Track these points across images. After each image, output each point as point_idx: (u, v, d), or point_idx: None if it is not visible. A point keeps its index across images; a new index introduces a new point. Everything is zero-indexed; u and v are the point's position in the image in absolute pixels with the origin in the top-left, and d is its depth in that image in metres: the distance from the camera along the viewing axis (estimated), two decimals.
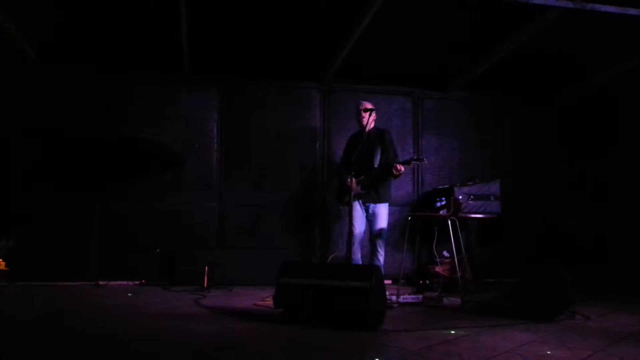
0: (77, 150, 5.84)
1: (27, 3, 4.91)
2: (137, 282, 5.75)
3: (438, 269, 5.72)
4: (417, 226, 5.46)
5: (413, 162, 4.97)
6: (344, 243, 5.69)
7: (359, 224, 5.18)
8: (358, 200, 5.16)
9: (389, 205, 5.42)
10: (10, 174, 5.64)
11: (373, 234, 5.24)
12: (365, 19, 5.01)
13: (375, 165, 5.19)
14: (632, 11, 4.70)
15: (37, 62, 5.80)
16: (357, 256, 5.18)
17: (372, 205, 5.24)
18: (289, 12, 5.17)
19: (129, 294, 5.11)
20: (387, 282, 5.04)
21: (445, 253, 5.84)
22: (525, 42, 5.47)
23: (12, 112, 5.69)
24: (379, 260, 5.20)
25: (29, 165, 5.71)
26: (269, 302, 4.17)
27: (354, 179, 5.03)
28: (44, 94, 5.83)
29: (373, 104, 5.82)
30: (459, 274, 5.16)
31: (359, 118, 5.27)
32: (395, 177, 5.05)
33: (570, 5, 4.67)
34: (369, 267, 4.43)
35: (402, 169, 4.94)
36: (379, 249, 5.26)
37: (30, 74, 5.83)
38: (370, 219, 5.25)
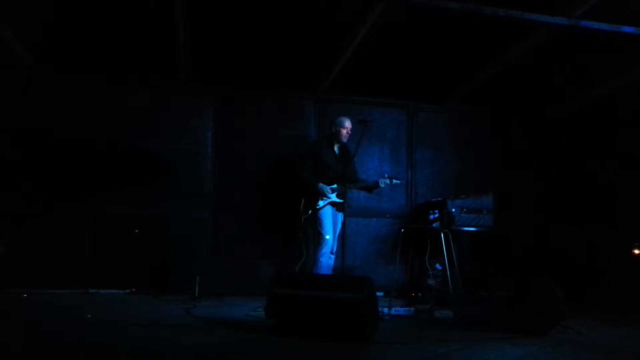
0: (71, 155, 5.81)
1: (24, 8, 4.90)
2: (128, 291, 5.70)
3: (430, 281, 5.71)
4: (410, 239, 5.47)
5: (394, 180, 5.53)
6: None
7: (332, 232, 5.38)
8: (330, 207, 5.36)
9: (382, 217, 5.49)
10: (2, 178, 5.60)
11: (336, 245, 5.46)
12: (361, 32, 5.03)
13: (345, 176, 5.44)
14: (626, 29, 4.75)
15: (34, 68, 5.78)
16: (325, 266, 5.31)
17: (342, 215, 5.48)
18: (286, 23, 5.19)
19: (120, 303, 5.06)
20: (379, 294, 5.04)
21: (437, 266, 5.84)
22: (521, 56, 5.51)
23: (6, 115, 5.67)
24: None
25: (21, 169, 5.67)
26: (261, 312, 4.15)
27: (330, 188, 5.32)
28: (39, 98, 5.79)
29: (368, 115, 5.90)
30: (451, 287, 5.15)
31: (346, 135, 5.54)
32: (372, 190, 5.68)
33: (565, 22, 4.71)
34: (362, 278, 4.42)
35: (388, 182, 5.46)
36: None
37: (27, 78, 5.80)
38: (336, 228, 5.45)
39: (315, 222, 5.38)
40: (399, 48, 5.63)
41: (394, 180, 5.51)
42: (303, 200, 5.45)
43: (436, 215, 5.47)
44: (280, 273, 4.12)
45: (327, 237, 5.27)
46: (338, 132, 5.54)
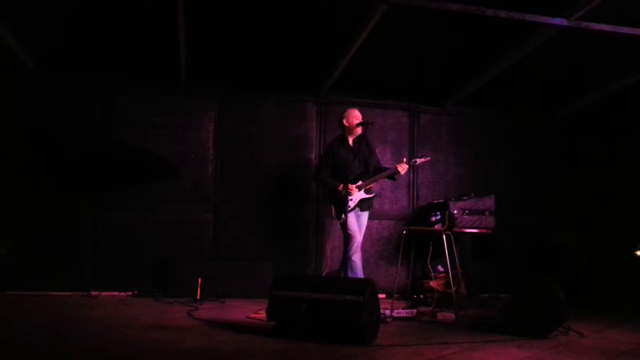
0: (73, 158, 5.82)
1: (26, 13, 4.91)
2: (130, 293, 5.70)
3: (432, 283, 5.71)
4: (411, 240, 5.46)
5: (414, 159, 5.31)
6: (339, 256, 5.69)
7: (359, 232, 5.22)
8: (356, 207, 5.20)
9: (384, 219, 5.39)
10: (4, 180, 5.61)
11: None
12: (363, 33, 5.03)
13: (369, 172, 5.29)
14: (625, 30, 4.74)
15: (36, 71, 5.78)
16: (360, 265, 5.19)
17: (365, 213, 5.28)
18: (288, 24, 5.19)
19: (121, 305, 5.06)
20: (381, 296, 5.04)
21: (439, 268, 5.83)
22: (522, 57, 5.50)
23: (9, 119, 5.68)
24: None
25: (23, 172, 5.67)
26: (262, 315, 4.15)
27: (352, 185, 5.10)
28: (41, 101, 5.80)
29: (369, 117, 5.88)
30: (453, 289, 5.15)
31: (355, 128, 5.30)
32: (395, 177, 5.32)
33: (565, 23, 4.70)
34: (363, 280, 4.42)
35: (407, 167, 5.18)
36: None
37: (29, 82, 5.81)
38: (361, 229, 5.28)
39: (342, 225, 5.21)
40: (401, 49, 5.63)
41: (417, 160, 5.30)
42: (333, 207, 5.24)
43: (438, 217, 5.47)
44: (281, 275, 4.12)
45: (356, 235, 5.14)
46: (349, 124, 5.31)
